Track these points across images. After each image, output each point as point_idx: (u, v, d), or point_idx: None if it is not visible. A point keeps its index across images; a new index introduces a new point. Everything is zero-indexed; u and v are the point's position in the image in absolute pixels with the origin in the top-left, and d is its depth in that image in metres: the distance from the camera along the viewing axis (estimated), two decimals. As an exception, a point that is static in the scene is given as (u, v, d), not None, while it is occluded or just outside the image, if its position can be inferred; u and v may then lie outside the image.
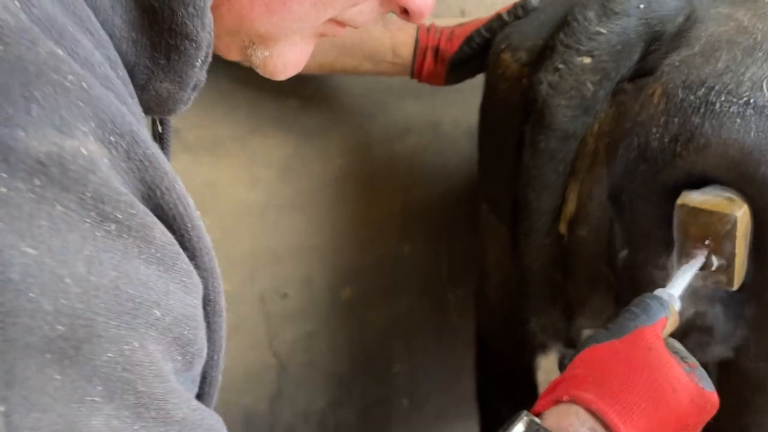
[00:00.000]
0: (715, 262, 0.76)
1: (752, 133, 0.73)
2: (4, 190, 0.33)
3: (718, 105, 0.74)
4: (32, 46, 0.35)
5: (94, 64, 0.40)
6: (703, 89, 0.74)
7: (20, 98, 0.34)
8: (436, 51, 1.05)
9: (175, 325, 0.40)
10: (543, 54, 0.84)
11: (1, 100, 0.33)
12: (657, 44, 0.82)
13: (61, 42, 0.38)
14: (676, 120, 0.75)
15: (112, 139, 0.38)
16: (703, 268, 0.76)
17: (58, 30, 0.38)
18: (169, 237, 0.41)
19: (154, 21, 0.44)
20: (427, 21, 1.13)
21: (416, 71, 1.09)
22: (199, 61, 0.47)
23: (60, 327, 0.34)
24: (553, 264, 0.90)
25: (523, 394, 1.05)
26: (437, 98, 1.30)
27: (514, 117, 0.88)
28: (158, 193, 0.41)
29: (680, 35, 0.81)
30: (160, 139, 0.62)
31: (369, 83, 1.27)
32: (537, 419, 0.62)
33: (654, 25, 0.82)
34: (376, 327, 1.46)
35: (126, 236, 0.37)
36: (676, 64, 0.77)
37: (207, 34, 0.46)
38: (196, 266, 0.44)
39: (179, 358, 0.42)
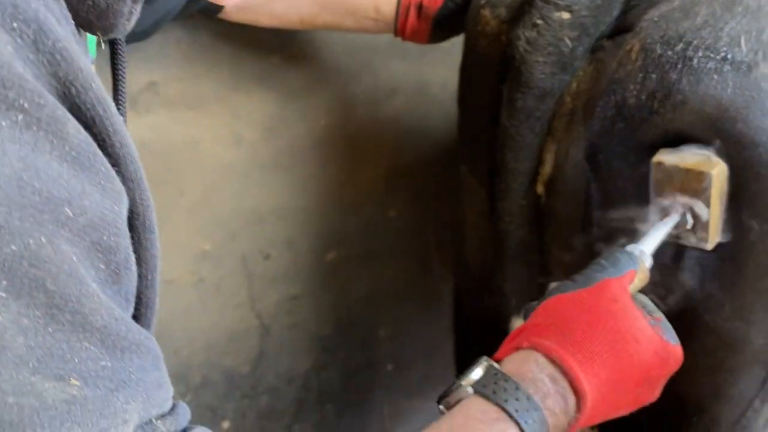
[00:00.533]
0: (690, 220, 0.74)
1: (729, 90, 0.71)
2: None
3: (695, 61, 0.72)
4: None
5: None
6: (681, 44, 0.72)
7: None
8: (420, 7, 1.03)
9: (92, 228, 0.39)
10: (522, 9, 0.82)
11: None
12: (635, 0, 0.80)
13: None
14: (654, 76, 0.73)
15: (15, 25, 0.36)
16: (678, 226, 0.75)
17: None
18: (85, 135, 0.39)
19: None
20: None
21: (399, 28, 1.07)
22: None
23: None
24: (530, 225, 0.88)
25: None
26: (425, 59, 1.28)
27: (492, 75, 0.86)
28: (73, 91, 0.39)
29: (661, -10, 0.79)
30: (113, 65, 0.59)
31: (354, 41, 1.25)
32: (496, 365, 0.61)
33: (634, -20, 0.80)
34: (360, 291, 1.45)
35: (35, 129, 0.35)
36: (655, 19, 0.75)
37: None
38: (120, 174, 0.42)
39: (102, 267, 0.40)
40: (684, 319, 0.81)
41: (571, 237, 0.86)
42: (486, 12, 0.87)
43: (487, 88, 0.86)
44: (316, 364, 1.46)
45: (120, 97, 0.60)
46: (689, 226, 0.74)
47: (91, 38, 0.56)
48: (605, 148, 0.79)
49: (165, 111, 1.18)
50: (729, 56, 0.71)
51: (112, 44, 0.59)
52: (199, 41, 1.16)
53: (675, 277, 0.79)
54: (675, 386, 0.84)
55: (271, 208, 1.31)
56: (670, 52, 0.72)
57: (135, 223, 0.45)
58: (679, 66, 0.72)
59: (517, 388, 0.58)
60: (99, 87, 0.40)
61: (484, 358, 0.62)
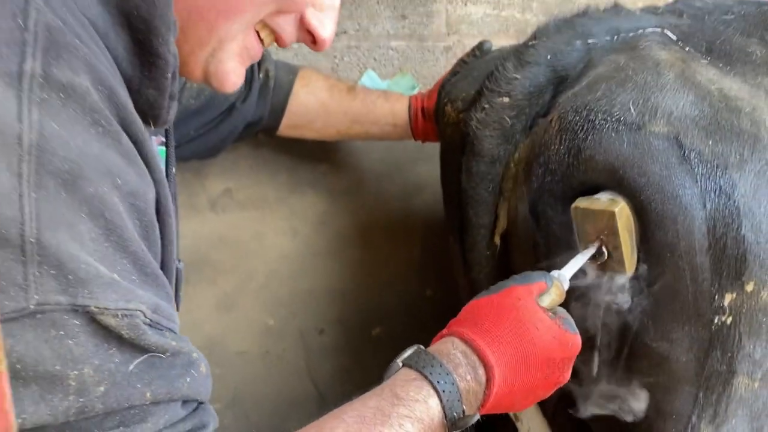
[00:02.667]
0: (606, 252, 0.85)
1: (624, 145, 0.83)
2: (45, 96, 0.52)
3: (597, 123, 0.84)
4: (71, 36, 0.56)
5: (99, 61, 0.59)
6: (585, 111, 0.85)
7: (57, 53, 0.54)
8: (424, 110, 1.22)
9: (131, 195, 0.58)
10: (474, 99, 0.99)
11: (53, 54, 0.53)
12: (563, 86, 0.94)
13: (83, 39, 0.58)
14: (568, 137, 0.86)
15: (99, 87, 0.57)
16: (597, 257, 0.85)
17: (83, 35, 0.59)
18: (131, 145, 0.60)
19: (140, 48, 0.63)
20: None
21: (414, 131, 1.25)
22: (169, 74, 0.65)
23: (67, 166, 0.52)
24: (495, 274, 1.00)
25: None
26: (444, 161, 1.45)
27: (458, 153, 1.02)
28: (128, 122, 0.60)
29: (579, 77, 0.93)
30: (166, 146, 0.83)
31: (386, 150, 1.43)
32: (422, 347, 0.75)
33: (559, 71, 0.95)
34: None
35: (106, 135, 0.56)
36: (569, 95, 0.89)
37: (172, 57, 0.65)
38: (150, 172, 0.63)
39: (137, 222, 0.59)
40: (628, 343, 0.90)
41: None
42: (448, 107, 1.04)
43: (455, 164, 1.02)
44: None
45: (169, 167, 0.83)
46: (606, 257, 0.85)
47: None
48: (541, 201, 0.91)
49: (237, 211, 1.39)
50: (622, 118, 0.83)
51: (166, 134, 0.83)
52: (262, 155, 1.39)
53: (610, 305, 0.89)
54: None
55: (324, 289, 1.47)
56: (578, 118, 0.85)
57: (159, 208, 0.65)
58: (586, 127, 0.85)
59: (434, 359, 0.71)
60: (142, 129, 0.62)
61: (416, 345, 0.76)
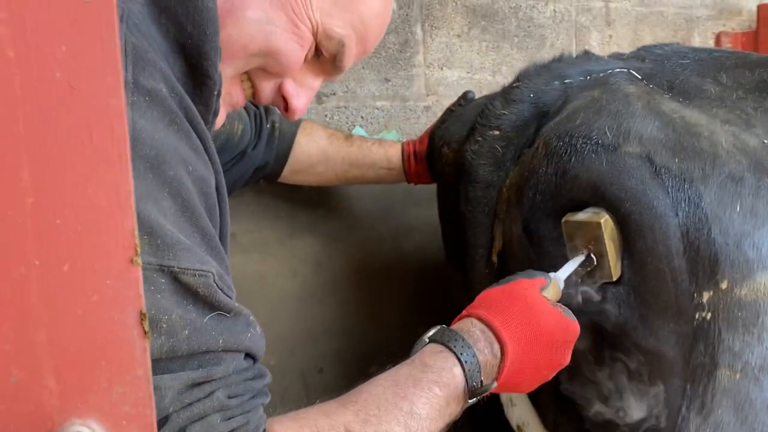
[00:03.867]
0: (594, 259, 0.92)
1: (604, 164, 0.91)
2: (135, 99, 0.60)
3: (579, 146, 0.93)
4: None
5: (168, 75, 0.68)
6: (567, 137, 0.94)
7: (142, 66, 0.62)
8: (416, 153, 1.30)
9: (200, 180, 0.66)
10: (468, 134, 1.07)
11: (140, 66, 0.61)
12: (545, 120, 1.04)
13: (158, 57, 0.67)
14: (554, 160, 0.95)
15: (173, 93, 0.65)
16: (586, 264, 0.92)
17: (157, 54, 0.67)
18: (198, 141, 0.68)
19: (193, 71, 0.72)
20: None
21: (407, 174, 1.32)
22: (216, 92, 0.74)
23: (153, 153, 0.60)
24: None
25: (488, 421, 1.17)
26: (432, 204, 1.52)
27: (455, 188, 1.09)
28: (195, 123, 0.68)
29: (559, 111, 1.02)
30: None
31: (378, 194, 1.50)
32: (446, 326, 0.82)
33: (541, 108, 1.04)
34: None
35: (180, 131, 0.65)
36: (552, 125, 0.98)
37: (218, 77, 0.73)
38: (212, 163, 0.71)
39: (204, 204, 0.67)
40: (620, 341, 0.96)
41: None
42: (445, 149, 1.13)
43: (454, 197, 1.09)
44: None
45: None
46: (595, 263, 0.92)
47: None
48: (533, 219, 0.98)
49: (240, 254, 1.43)
50: (600, 141, 0.92)
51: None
52: (263, 202, 1.44)
53: (602, 307, 0.95)
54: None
55: (322, 328, 1.50)
56: (561, 143, 0.94)
57: (219, 191, 0.72)
58: (569, 151, 0.93)
59: (457, 334, 0.79)
60: (203, 128, 0.70)
61: (439, 324, 0.82)
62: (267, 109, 1.24)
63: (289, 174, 1.31)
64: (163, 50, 0.68)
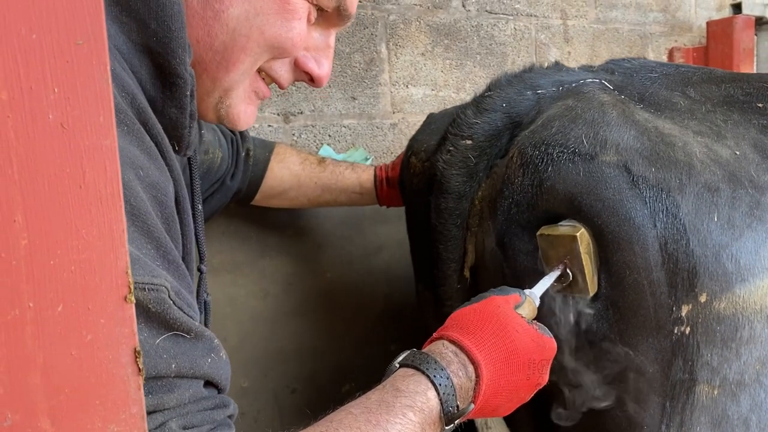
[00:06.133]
0: (570, 275, 0.84)
1: (581, 174, 0.83)
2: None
3: (555, 155, 0.85)
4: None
5: (124, 76, 0.59)
6: (543, 145, 0.86)
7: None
8: (388, 179, 1.22)
9: (153, 186, 0.56)
10: (439, 144, 0.99)
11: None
12: (518, 130, 0.96)
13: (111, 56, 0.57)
14: (529, 170, 0.87)
15: (123, 93, 0.57)
16: (561, 280, 0.84)
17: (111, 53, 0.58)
18: (152, 144, 0.59)
19: (160, 71, 0.63)
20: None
21: (379, 197, 1.25)
22: (188, 92, 0.65)
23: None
24: (467, 306, 0.97)
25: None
26: (400, 222, 1.43)
27: (425, 200, 1.00)
28: (149, 125, 0.59)
29: (532, 122, 0.95)
30: (189, 168, 0.81)
31: (346, 214, 1.42)
32: (416, 349, 0.72)
33: (514, 117, 0.96)
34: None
35: (130, 133, 0.56)
36: (526, 134, 0.90)
37: (189, 76, 0.64)
38: (170, 171, 0.62)
39: (159, 213, 0.57)
40: (598, 357, 0.87)
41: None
42: (413, 159, 1.04)
43: (423, 210, 1.01)
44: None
45: (195, 193, 0.80)
46: (570, 279, 0.84)
47: None
48: (508, 232, 0.90)
49: (212, 276, 1.33)
50: (576, 150, 0.85)
51: (189, 162, 0.81)
52: (233, 223, 1.35)
53: (578, 323, 0.87)
54: (600, 419, 0.89)
55: (294, 348, 1.40)
56: (537, 152, 0.86)
57: (178, 207, 0.63)
58: (545, 160, 0.86)
59: (429, 356, 0.69)
60: (162, 134, 0.61)
61: (412, 349, 0.72)
62: (243, 136, 1.16)
63: (261, 198, 1.23)
64: (125, 51, 0.60)
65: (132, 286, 0.40)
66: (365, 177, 1.25)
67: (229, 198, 1.16)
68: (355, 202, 1.28)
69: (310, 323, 1.41)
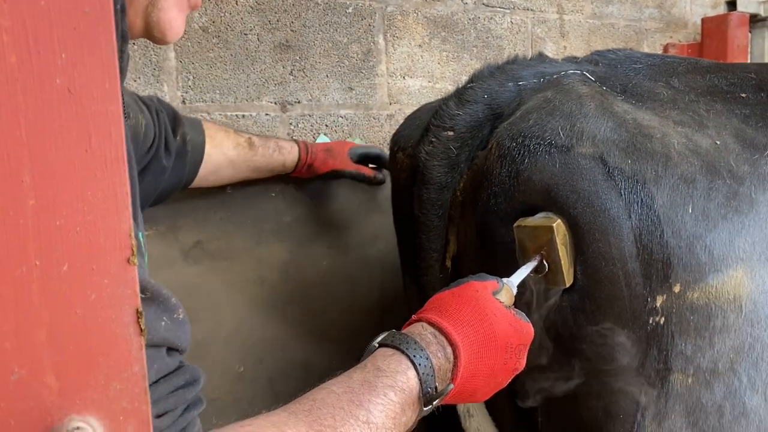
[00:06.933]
0: (546, 265, 0.83)
1: (557, 165, 0.83)
2: None
3: (532, 147, 0.84)
4: None
5: None
6: (521, 137, 0.86)
7: None
8: (310, 166, 1.30)
9: None
10: (421, 135, 0.98)
11: None
12: (498, 122, 0.95)
13: None
14: (507, 162, 0.86)
15: None
16: (538, 270, 0.83)
17: None
18: None
19: None
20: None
21: (293, 174, 1.34)
22: (118, 6, 0.60)
23: None
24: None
25: None
26: (396, 211, 1.44)
27: (410, 193, 1.00)
28: None
29: (512, 113, 0.94)
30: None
31: (343, 202, 1.42)
32: (395, 330, 0.72)
33: (495, 109, 0.95)
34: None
35: None
36: (505, 125, 0.89)
37: None
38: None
39: None
40: (573, 348, 0.87)
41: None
42: (400, 154, 1.04)
43: (408, 203, 1.00)
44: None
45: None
46: (546, 270, 0.83)
47: None
48: (487, 223, 0.90)
49: (208, 262, 1.34)
50: (553, 142, 0.84)
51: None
52: (231, 209, 1.36)
53: (557, 317, 0.86)
54: (577, 411, 0.88)
55: (291, 335, 1.41)
56: (514, 144, 0.86)
57: None
58: (522, 152, 0.85)
59: (408, 337, 0.69)
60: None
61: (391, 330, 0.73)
62: (176, 118, 1.15)
63: (198, 182, 1.24)
64: None
65: (134, 249, 0.40)
66: (290, 159, 1.31)
67: (169, 186, 1.14)
68: (277, 174, 1.34)
69: (307, 311, 1.41)
